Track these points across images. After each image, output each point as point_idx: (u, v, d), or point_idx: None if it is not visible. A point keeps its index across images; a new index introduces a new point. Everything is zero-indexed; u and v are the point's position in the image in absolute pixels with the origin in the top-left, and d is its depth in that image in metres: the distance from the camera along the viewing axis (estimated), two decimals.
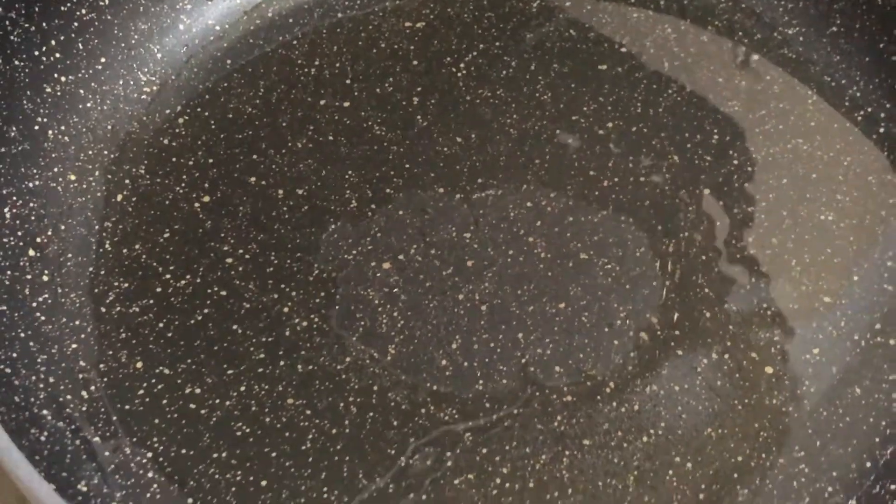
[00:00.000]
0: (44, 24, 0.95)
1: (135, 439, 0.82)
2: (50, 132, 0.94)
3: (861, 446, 0.82)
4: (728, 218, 0.93)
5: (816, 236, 0.92)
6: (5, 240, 0.87)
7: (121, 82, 1.00)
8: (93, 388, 0.84)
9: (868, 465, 0.81)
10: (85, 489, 0.77)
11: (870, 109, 0.99)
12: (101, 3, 0.99)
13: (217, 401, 0.84)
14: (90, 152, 0.96)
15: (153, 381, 0.85)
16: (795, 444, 0.82)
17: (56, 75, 0.96)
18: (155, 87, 1.02)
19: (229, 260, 0.91)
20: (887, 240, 0.92)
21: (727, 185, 0.95)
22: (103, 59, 1.00)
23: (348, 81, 1.02)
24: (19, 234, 0.88)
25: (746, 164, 0.96)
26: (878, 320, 0.88)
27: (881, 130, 0.98)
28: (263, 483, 0.79)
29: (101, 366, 0.85)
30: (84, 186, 0.94)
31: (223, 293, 0.89)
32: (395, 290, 0.89)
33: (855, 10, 1.02)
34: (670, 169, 0.96)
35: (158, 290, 0.89)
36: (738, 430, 0.83)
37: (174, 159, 0.97)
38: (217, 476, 0.80)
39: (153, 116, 1.00)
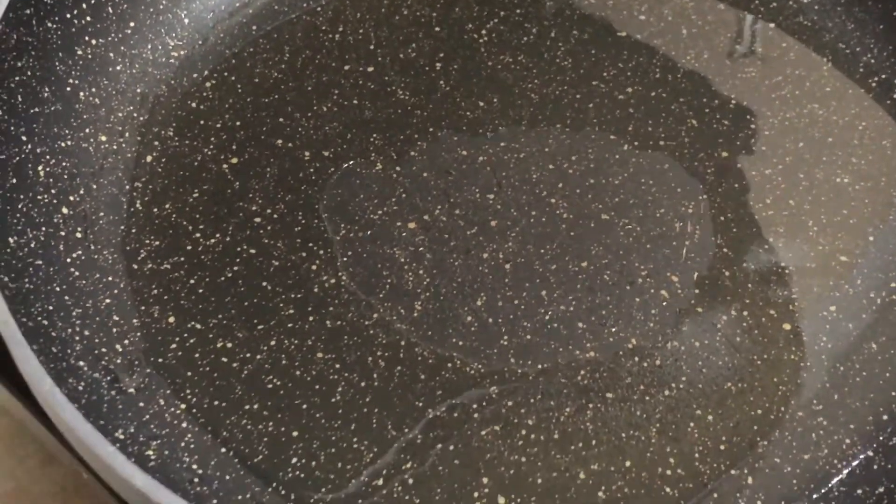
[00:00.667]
0: None
1: (169, 391, 0.83)
2: (81, 94, 0.96)
3: (877, 400, 0.84)
4: (745, 180, 0.95)
5: (833, 198, 0.94)
6: (39, 197, 0.89)
7: (149, 46, 1.02)
8: (126, 341, 0.85)
9: (885, 417, 0.83)
10: (122, 437, 0.78)
11: (884, 76, 1.01)
12: None
13: (248, 354, 0.85)
14: (120, 114, 0.98)
15: (185, 335, 0.87)
16: (813, 398, 0.84)
17: (87, 38, 0.97)
18: (183, 52, 1.03)
19: (258, 219, 0.92)
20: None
21: (745, 147, 0.97)
22: (132, 24, 1.01)
23: (372, 47, 1.04)
24: (53, 192, 0.90)
25: (764, 128, 0.98)
26: (894, 279, 0.90)
27: (895, 96, 1.00)
28: (295, 433, 0.81)
29: (135, 320, 0.87)
30: (115, 147, 0.96)
31: (252, 251, 0.91)
32: (421, 248, 0.91)
33: None
34: (689, 132, 0.98)
35: (189, 247, 0.91)
36: (757, 385, 0.85)
37: (202, 122, 0.99)
38: (249, 426, 0.81)
39: (181, 80, 1.02)
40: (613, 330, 0.87)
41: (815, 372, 0.85)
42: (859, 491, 0.79)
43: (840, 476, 0.80)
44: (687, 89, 1.00)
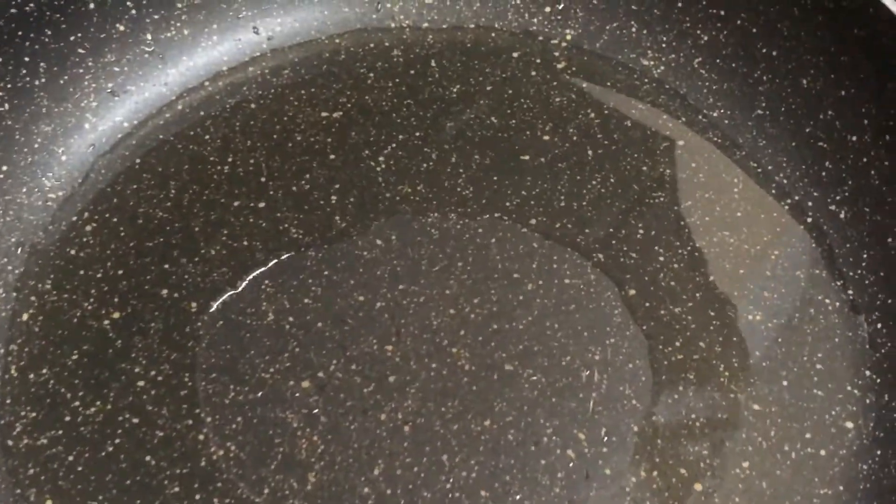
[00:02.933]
0: None
1: None
2: None
3: None
4: (654, 321, 0.91)
5: (745, 339, 0.91)
6: None
7: (24, 190, 0.96)
8: None
9: None
10: None
11: (797, 197, 0.97)
12: (1, 109, 0.95)
13: None
14: None
15: None
16: None
17: None
18: (61, 193, 0.98)
19: (141, 383, 0.87)
20: (816, 340, 0.90)
21: (653, 284, 0.93)
22: (5, 167, 0.96)
23: (263, 179, 0.98)
24: None
25: (672, 260, 0.94)
26: (808, 429, 0.86)
27: (808, 220, 0.96)
28: None
29: None
30: None
31: (135, 420, 0.86)
32: (315, 410, 0.86)
33: (780, 93, 1.00)
34: (595, 268, 0.94)
35: (67, 419, 0.86)
36: None
37: (82, 272, 0.93)
38: None
39: (59, 225, 0.96)
40: (518, 498, 0.83)
41: None
42: None
43: None
44: (592, 219, 0.96)
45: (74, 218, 0.97)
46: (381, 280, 0.93)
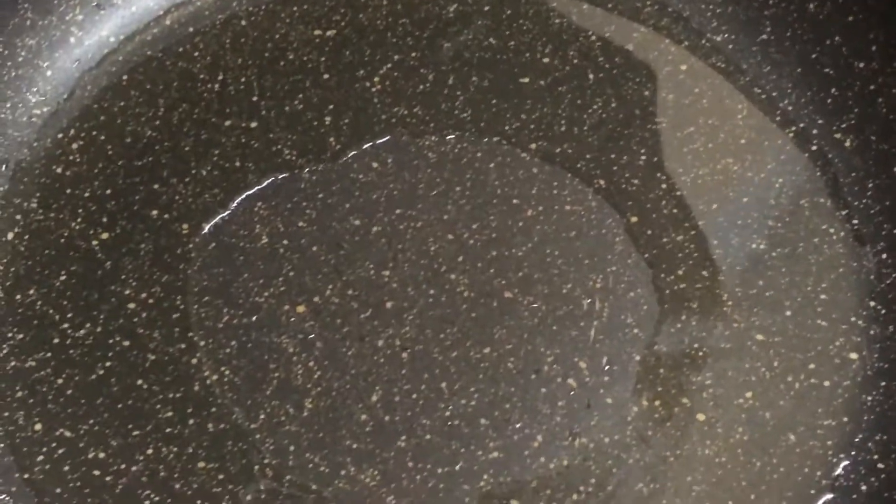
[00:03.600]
0: None
1: None
2: None
3: (796, 499, 0.80)
4: (656, 249, 0.90)
5: (748, 267, 0.89)
6: None
7: (8, 105, 0.93)
8: None
9: None
10: None
11: (802, 125, 0.95)
12: None
13: (123, 466, 0.79)
14: None
15: (54, 444, 0.80)
16: (729, 497, 0.80)
17: None
18: (46, 109, 0.95)
19: (132, 305, 0.85)
20: (820, 269, 0.89)
21: (655, 212, 0.91)
22: None
23: (255, 98, 0.95)
24: None
25: (675, 188, 0.92)
26: (812, 359, 0.85)
27: (813, 148, 0.94)
28: None
29: None
30: None
31: (126, 343, 0.84)
32: (311, 336, 0.85)
33: (786, 17, 0.98)
34: (596, 195, 0.92)
35: (56, 341, 0.84)
36: (670, 484, 0.80)
37: (69, 190, 0.90)
38: None
39: (45, 142, 0.93)
40: (518, 426, 0.82)
41: (731, 469, 0.81)
42: None
43: None
44: (594, 145, 0.94)
45: (60, 135, 0.94)
46: (378, 204, 0.91)
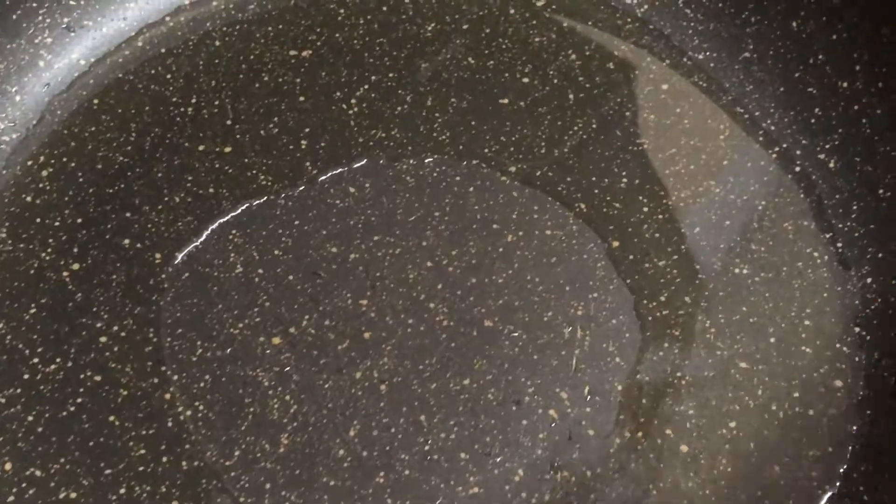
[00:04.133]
0: None
1: None
2: None
3: None
4: (638, 274, 0.88)
5: (731, 293, 0.88)
6: None
7: None
8: None
9: None
10: None
11: (785, 146, 0.94)
12: None
13: None
14: None
15: (24, 484, 0.78)
16: None
17: None
18: (15, 136, 0.93)
19: (103, 339, 0.83)
20: (804, 295, 0.88)
21: (637, 236, 0.90)
22: None
23: (229, 122, 0.94)
24: None
25: (657, 211, 0.91)
26: (797, 388, 0.84)
27: (797, 169, 0.93)
28: None
29: None
30: None
31: (97, 378, 0.82)
32: (287, 368, 0.83)
33: (769, 35, 0.96)
34: (577, 219, 0.91)
35: (26, 376, 0.82)
36: None
37: (38, 220, 0.88)
38: None
39: (14, 169, 0.91)
40: (499, 460, 0.80)
41: (715, 502, 0.79)
42: None
43: None
44: (574, 167, 0.92)
45: (30, 162, 0.92)
46: (355, 230, 0.89)
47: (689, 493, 0.79)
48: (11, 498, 0.77)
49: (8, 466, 0.79)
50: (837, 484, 0.80)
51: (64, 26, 0.96)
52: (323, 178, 0.91)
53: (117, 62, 0.97)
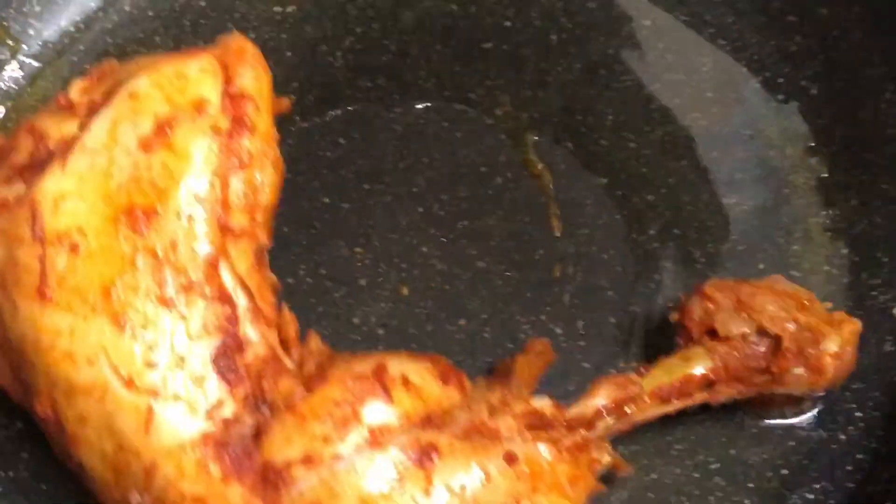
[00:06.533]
0: None
1: None
2: None
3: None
4: (627, 210, 0.90)
5: (720, 223, 0.89)
6: None
7: None
8: None
9: None
10: None
11: (767, 74, 0.95)
12: None
13: None
14: None
15: None
16: (710, 453, 0.80)
17: None
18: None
19: None
20: (792, 221, 0.89)
21: (625, 171, 0.91)
22: None
23: None
24: None
25: (643, 146, 0.92)
26: None
27: (780, 97, 0.94)
28: None
29: None
30: None
31: None
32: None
33: None
34: (565, 158, 0.92)
35: None
36: (648, 444, 0.80)
37: None
38: None
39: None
40: None
41: (710, 425, 0.81)
42: None
43: None
44: (560, 107, 0.93)
45: None
46: (346, 180, 0.91)
47: (685, 419, 0.81)
48: None
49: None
50: None
51: None
52: (312, 131, 0.92)
53: (105, 27, 0.98)
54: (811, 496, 0.80)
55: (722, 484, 0.80)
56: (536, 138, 0.92)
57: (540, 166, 0.91)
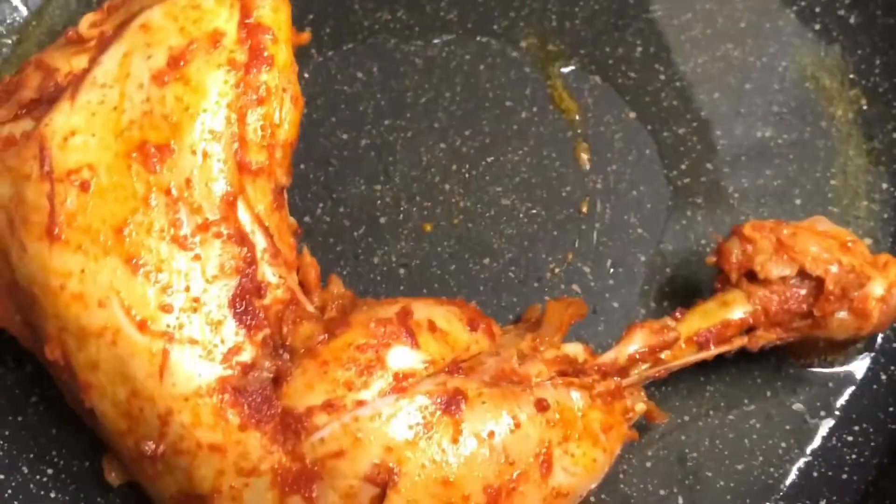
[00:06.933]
0: None
1: None
2: None
3: None
4: (657, 144, 0.86)
5: (754, 156, 0.86)
6: None
7: None
8: None
9: None
10: None
11: (803, 3, 0.91)
12: None
13: None
14: None
15: None
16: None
17: None
18: None
19: None
20: (829, 155, 0.86)
21: (655, 104, 0.88)
22: None
23: None
24: None
25: (674, 78, 0.89)
26: None
27: (816, 27, 0.90)
28: None
29: None
30: None
31: None
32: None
33: None
34: (592, 91, 0.89)
35: None
36: (682, 384, 0.78)
37: None
38: None
39: None
40: None
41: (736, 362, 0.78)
42: None
43: None
44: (586, 39, 0.90)
45: None
46: (365, 116, 0.88)
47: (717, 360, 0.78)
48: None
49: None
50: None
51: None
52: (329, 65, 0.89)
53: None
54: (850, 438, 0.77)
55: (758, 426, 0.77)
56: (563, 71, 0.89)
57: (567, 100, 0.87)
